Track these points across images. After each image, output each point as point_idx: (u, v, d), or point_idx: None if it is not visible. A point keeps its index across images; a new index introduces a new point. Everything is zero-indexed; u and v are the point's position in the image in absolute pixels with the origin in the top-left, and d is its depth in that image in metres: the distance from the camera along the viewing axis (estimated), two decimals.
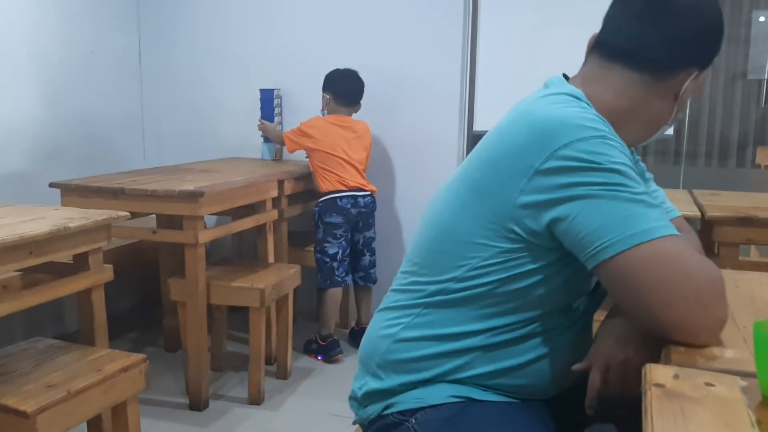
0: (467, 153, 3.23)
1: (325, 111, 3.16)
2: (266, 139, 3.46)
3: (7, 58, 2.98)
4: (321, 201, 3.05)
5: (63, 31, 3.24)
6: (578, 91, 1.09)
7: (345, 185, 3.03)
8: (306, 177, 3.17)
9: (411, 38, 3.30)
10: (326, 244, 3.04)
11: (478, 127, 3.46)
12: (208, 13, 3.63)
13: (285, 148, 3.22)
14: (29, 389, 1.62)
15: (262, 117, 3.42)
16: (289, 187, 3.08)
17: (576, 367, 1.07)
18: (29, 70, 3.08)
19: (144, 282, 3.49)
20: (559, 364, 1.11)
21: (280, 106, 3.47)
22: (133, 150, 3.75)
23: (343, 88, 3.13)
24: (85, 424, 1.88)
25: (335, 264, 3.04)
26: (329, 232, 3.03)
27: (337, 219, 3.02)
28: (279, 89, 3.45)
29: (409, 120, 3.36)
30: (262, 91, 3.44)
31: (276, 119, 3.43)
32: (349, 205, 3.03)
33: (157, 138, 3.80)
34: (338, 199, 3.02)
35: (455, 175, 1.14)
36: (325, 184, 3.03)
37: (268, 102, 3.42)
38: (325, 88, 3.15)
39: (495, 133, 1.09)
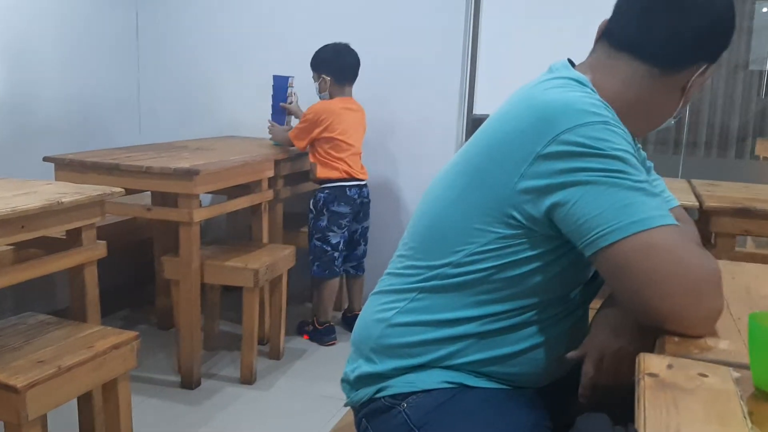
0: (467, 137, 3.21)
1: (326, 94, 2.96)
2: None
3: (4, 33, 2.93)
4: (327, 188, 2.93)
5: (61, 6, 3.20)
6: (582, 77, 1.07)
7: (351, 174, 2.94)
8: (303, 158, 3.13)
9: (412, 20, 3.26)
10: (330, 233, 2.95)
11: (478, 111, 3.41)
12: None
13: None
14: (19, 364, 1.62)
15: (274, 106, 3.13)
16: (285, 168, 3.06)
17: (570, 355, 1.07)
18: (26, 44, 3.04)
19: (137, 259, 3.47)
20: (554, 353, 1.11)
21: (293, 95, 3.13)
22: (129, 126, 3.72)
23: (342, 66, 2.93)
24: (75, 401, 1.88)
25: (336, 254, 2.97)
26: (335, 221, 2.94)
27: (344, 209, 2.94)
28: (293, 77, 3.11)
29: (408, 103, 3.32)
30: (275, 77, 3.11)
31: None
32: (356, 195, 2.96)
33: (152, 114, 3.77)
34: (347, 189, 2.93)
35: (455, 159, 1.13)
36: (332, 172, 2.91)
37: (281, 90, 3.10)
38: (320, 70, 2.93)
39: (497, 118, 1.07)
